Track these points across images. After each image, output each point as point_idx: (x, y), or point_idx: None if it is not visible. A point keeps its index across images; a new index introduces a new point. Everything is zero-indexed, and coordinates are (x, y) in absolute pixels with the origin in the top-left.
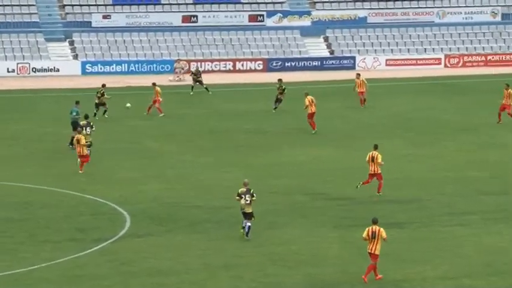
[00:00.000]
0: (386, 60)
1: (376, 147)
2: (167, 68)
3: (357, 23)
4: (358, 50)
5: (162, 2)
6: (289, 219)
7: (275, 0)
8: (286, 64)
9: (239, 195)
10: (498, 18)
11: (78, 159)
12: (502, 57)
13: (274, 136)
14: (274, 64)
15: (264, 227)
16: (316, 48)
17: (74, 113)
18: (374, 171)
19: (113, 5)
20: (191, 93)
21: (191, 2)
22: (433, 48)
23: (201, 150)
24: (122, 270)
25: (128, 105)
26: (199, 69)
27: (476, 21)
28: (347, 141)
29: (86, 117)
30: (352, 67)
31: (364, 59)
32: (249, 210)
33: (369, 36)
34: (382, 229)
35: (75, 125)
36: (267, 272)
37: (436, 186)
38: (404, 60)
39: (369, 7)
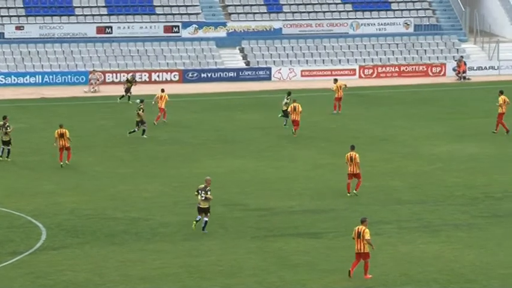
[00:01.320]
0: (302, 71)
1: (353, 148)
2: (82, 79)
3: (272, 34)
4: (274, 61)
5: (76, 13)
6: (209, 230)
7: (190, 12)
8: (202, 75)
9: (197, 190)
10: (411, 30)
11: None
12: (415, 68)
13: (192, 147)
14: (190, 75)
15: (182, 238)
16: (232, 59)
17: None
18: (353, 171)
19: (26, 15)
20: (130, 102)
21: (106, 13)
22: (348, 59)
23: (118, 162)
24: (37, 284)
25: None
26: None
27: (390, 33)
28: (266, 152)
29: (4, 117)
30: (268, 78)
31: (280, 70)
32: (204, 205)
33: (284, 47)
34: (367, 230)
35: None
36: (185, 284)
37: (353, 195)
38: (319, 71)
39: (283, 18)
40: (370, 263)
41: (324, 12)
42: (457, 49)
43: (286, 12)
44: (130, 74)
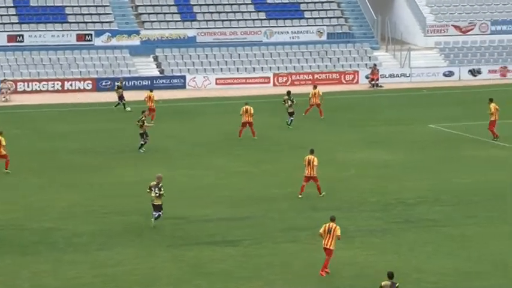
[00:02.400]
0: (216, 79)
1: (312, 152)
2: None
3: (186, 42)
4: (188, 69)
5: None
6: (123, 239)
7: (103, 20)
8: (116, 83)
9: (150, 188)
10: (324, 38)
11: None
12: (328, 76)
13: (106, 156)
14: (103, 84)
15: (96, 247)
16: (146, 67)
17: None
18: (310, 174)
19: None
20: (129, 110)
21: (17, 21)
22: (262, 67)
23: (31, 172)
24: None
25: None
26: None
27: (303, 41)
28: (180, 160)
29: None
30: (183, 86)
31: (194, 78)
32: (157, 202)
33: (199, 55)
34: (338, 227)
35: None
36: None
37: (270, 202)
38: (233, 79)
39: (197, 26)
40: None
41: (238, 20)
42: (369, 57)
43: (200, 21)
44: (119, 80)
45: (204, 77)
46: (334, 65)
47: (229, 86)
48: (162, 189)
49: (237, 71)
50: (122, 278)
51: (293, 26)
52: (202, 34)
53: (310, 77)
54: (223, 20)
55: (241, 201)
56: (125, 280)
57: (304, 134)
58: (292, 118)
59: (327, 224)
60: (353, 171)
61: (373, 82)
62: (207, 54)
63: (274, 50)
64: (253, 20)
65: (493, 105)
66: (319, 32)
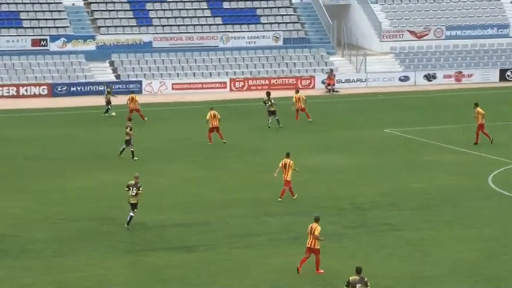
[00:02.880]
0: (173, 84)
1: (288, 155)
2: None
3: (142, 48)
4: (145, 74)
5: None
6: (78, 245)
7: (58, 25)
8: (72, 89)
9: (128, 186)
10: (280, 43)
11: None
12: (285, 81)
13: (61, 161)
14: (59, 89)
15: (51, 254)
16: (102, 72)
17: None
18: (286, 177)
19: None
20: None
21: None
22: (218, 72)
23: None
24: None
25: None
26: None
27: (259, 46)
28: (137, 166)
29: None
30: (139, 91)
31: (151, 83)
32: (133, 201)
33: (155, 60)
34: (319, 227)
35: None
36: None
37: (225, 208)
38: (190, 84)
39: (153, 32)
40: (320, 260)
41: (194, 25)
42: (326, 62)
43: (156, 26)
44: (108, 85)
45: (160, 82)
46: (291, 70)
47: (186, 91)
48: (140, 188)
49: (194, 76)
50: (77, 285)
51: (249, 31)
52: (159, 39)
53: (267, 82)
54: (179, 25)
55: (197, 207)
56: (80, 287)
57: (258, 139)
58: (277, 117)
59: (311, 224)
60: (308, 176)
61: (329, 87)
62: (163, 59)
63: (231, 55)
64: (210, 25)
65: (477, 110)
66: (275, 37)
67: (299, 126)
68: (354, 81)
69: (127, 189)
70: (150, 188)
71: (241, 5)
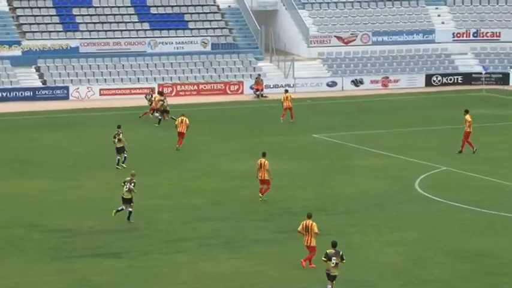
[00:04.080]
0: (100, 89)
1: (264, 155)
2: None
3: (69, 53)
4: (72, 80)
5: None
6: (6, 253)
7: None
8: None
9: (124, 182)
10: (208, 48)
11: None
12: (213, 86)
13: None
14: None
15: None
16: (28, 78)
17: None
18: (262, 176)
19: None
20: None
21: None
22: (146, 78)
23: None
24: None
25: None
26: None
27: (187, 51)
28: (63, 172)
29: None
30: (66, 97)
31: (78, 88)
32: (128, 196)
33: (82, 65)
34: (314, 224)
35: None
36: None
37: (154, 214)
38: (118, 89)
39: (80, 37)
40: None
41: (122, 30)
42: (254, 67)
43: (82, 31)
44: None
45: (87, 87)
46: (219, 76)
47: (114, 97)
48: (133, 184)
49: (122, 81)
50: None
51: (177, 37)
52: (86, 44)
53: (195, 87)
54: (106, 31)
55: (126, 212)
56: None
57: (187, 144)
58: (159, 117)
59: (304, 222)
60: (238, 181)
61: (257, 92)
62: (90, 65)
63: (159, 61)
64: (137, 30)
65: (467, 117)
66: (203, 42)
67: (228, 131)
68: (282, 87)
69: (123, 184)
70: (79, 194)
71: (168, 10)
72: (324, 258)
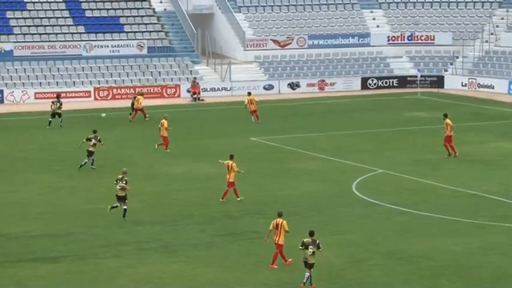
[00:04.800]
0: (36, 93)
1: (231, 157)
2: None
3: (3, 56)
4: (6, 83)
5: None
6: None
7: None
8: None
9: (116, 180)
10: (144, 51)
11: None
12: (150, 89)
13: None
14: None
15: None
16: None
17: None
18: (229, 179)
19: None
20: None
21: None
22: (82, 81)
23: None
24: None
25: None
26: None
27: (123, 54)
28: (0, 176)
29: None
30: (1, 101)
31: (13, 92)
32: (122, 194)
33: (16, 69)
34: (285, 222)
35: None
36: None
37: (91, 218)
38: (53, 93)
39: (14, 40)
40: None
41: (57, 34)
42: (191, 70)
43: (17, 34)
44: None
45: (22, 91)
46: (156, 79)
47: (49, 100)
48: (124, 182)
49: (57, 85)
50: None
51: (113, 40)
52: (20, 48)
53: (132, 90)
54: (41, 34)
55: (63, 217)
56: None
57: (125, 148)
58: (61, 119)
59: (275, 220)
60: (175, 185)
61: (194, 96)
62: (25, 68)
63: (95, 64)
64: (72, 33)
65: (447, 121)
66: (139, 45)
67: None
68: (219, 90)
69: (115, 182)
70: (14, 198)
71: (104, 13)
72: (300, 247)
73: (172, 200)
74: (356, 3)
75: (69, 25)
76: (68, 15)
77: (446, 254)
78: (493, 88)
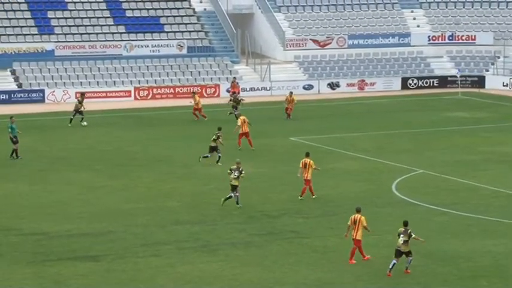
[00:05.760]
0: (76, 93)
1: (307, 155)
2: None
3: (44, 56)
4: (47, 83)
5: None
6: None
7: None
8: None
9: (230, 170)
10: (184, 51)
11: None
12: (189, 89)
13: None
14: None
15: None
16: (4, 81)
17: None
18: (306, 176)
19: None
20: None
21: None
22: (123, 81)
23: None
24: None
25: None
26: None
27: (164, 54)
28: (41, 175)
29: None
30: (42, 100)
31: (54, 92)
32: (235, 183)
33: (58, 69)
34: (363, 218)
35: None
36: None
37: (131, 217)
38: (94, 93)
39: (55, 40)
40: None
41: (97, 33)
42: (230, 70)
43: (58, 34)
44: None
45: (63, 90)
46: (195, 79)
47: (90, 100)
48: (242, 172)
49: (97, 84)
50: None
51: (153, 40)
52: (61, 47)
53: (172, 90)
54: (81, 34)
55: (102, 216)
56: None
57: (163, 147)
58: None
59: (353, 216)
60: (215, 184)
61: (234, 95)
62: (66, 68)
63: (135, 64)
64: (113, 33)
65: None
66: (179, 45)
67: (205, 134)
68: (259, 90)
69: (229, 172)
70: (55, 197)
71: (144, 13)
72: (397, 236)
73: (212, 200)
74: (396, 3)
75: (109, 25)
76: (109, 15)
77: (486, 254)
78: None
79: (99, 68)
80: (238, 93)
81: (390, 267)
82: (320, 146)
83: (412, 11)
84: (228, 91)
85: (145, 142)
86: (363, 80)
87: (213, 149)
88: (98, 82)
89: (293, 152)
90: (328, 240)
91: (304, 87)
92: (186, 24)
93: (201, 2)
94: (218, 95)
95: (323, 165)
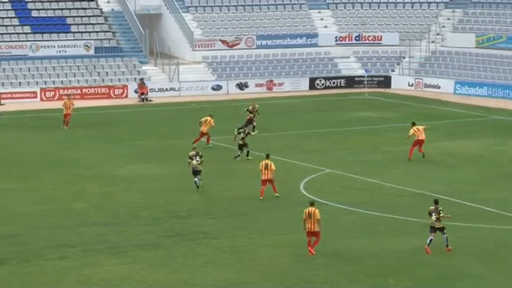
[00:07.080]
0: None
1: (267, 156)
2: None
3: None
4: None
5: None
6: None
7: None
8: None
9: (190, 157)
10: (91, 52)
11: None
12: (97, 90)
13: None
14: None
15: None
16: None
17: None
18: (267, 177)
19: None
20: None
21: None
22: (28, 82)
23: None
24: None
25: None
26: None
27: (70, 55)
28: None
29: None
30: None
31: None
32: (200, 168)
33: None
34: (317, 210)
35: None
36: None
37: (37, 219)
38: None
39: None
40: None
41: (2, 34)
42: (138, 71)
43: None
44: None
45: None
46: (103, 79)
47: None
48: (202, 156)
49: (2, 85)
50: None
51: (60, 40)
52: None
53: (79, 91)
54: None
55: (7, 218)
56: None
57: (70, 149)
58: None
59: (307, 209)
60: (123, 186)
61: (142, 96)
62: None
63: (41, 64)
64: (18, 33)
65: (413, 129)
66: (86, 46)
67: (113, 135)
68: (167, 90)
69: (189, 159)
70: None
71: (50, 13)
72: (428, 215)
73: (120, 201)
74: (304, 4)
75: (15, 25)
76: (14, 15)
77: (393, 253)
78: (439, 88)
79: (4, 68)
80: (147, 93)
81: (428, 242)
82: (229, 147)
83: (319, 12)
84: (136, 92)
85: (52, 144)
86: (271, 81)
87: (241, 147)
88: (2, 83)
89: (201, 152)
90: (236, 240)
91: (213, 88)
92: (93, 24)
93: (108, 2)
94: (126, 96)
95: (231, 165)
